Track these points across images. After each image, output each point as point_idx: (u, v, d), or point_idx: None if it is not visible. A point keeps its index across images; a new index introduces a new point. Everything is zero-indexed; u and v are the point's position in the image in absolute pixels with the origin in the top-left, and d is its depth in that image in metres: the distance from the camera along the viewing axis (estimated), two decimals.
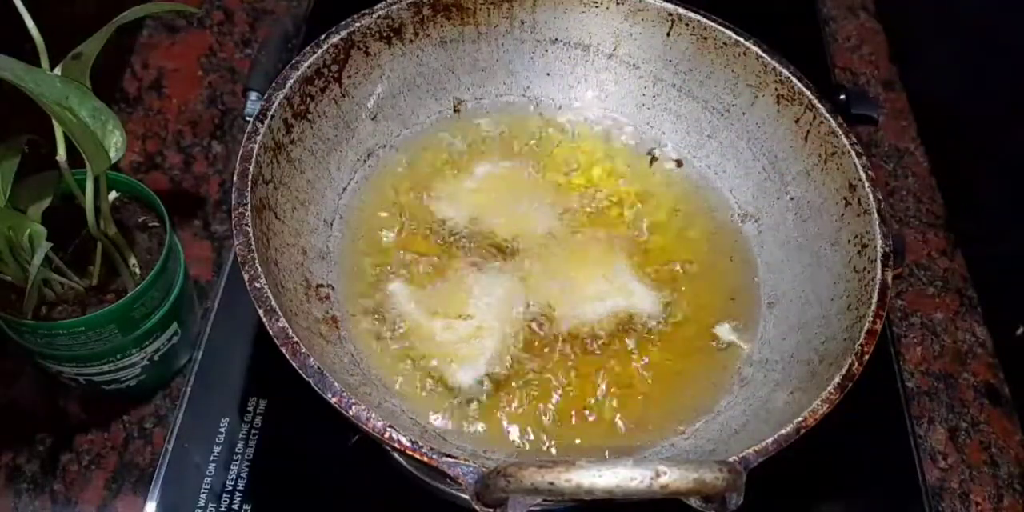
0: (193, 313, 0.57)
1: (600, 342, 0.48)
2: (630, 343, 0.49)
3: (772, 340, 0.49)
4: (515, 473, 0.31)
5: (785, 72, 0.51)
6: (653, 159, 0.57)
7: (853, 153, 0.48)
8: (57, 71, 0.42)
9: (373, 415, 0.36)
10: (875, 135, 0.80)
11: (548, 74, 0.58)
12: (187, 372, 0.56)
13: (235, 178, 0.42)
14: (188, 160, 0.70)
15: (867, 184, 0.47)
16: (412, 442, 0.36)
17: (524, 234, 0.52)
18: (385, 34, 0.52)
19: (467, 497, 0.35)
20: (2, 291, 0.47)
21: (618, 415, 0.46)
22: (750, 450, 0.37)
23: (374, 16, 0.51)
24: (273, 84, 0.46)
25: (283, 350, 0.37)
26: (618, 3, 0.55)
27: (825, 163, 0.50)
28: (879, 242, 0.45)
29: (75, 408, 0.56)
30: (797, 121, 0.51)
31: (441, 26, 0.54)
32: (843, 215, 0.48)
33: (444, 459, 0.35)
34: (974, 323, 0.69)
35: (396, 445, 0.36)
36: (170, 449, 0.53)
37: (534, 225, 0.53)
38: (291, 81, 0.47)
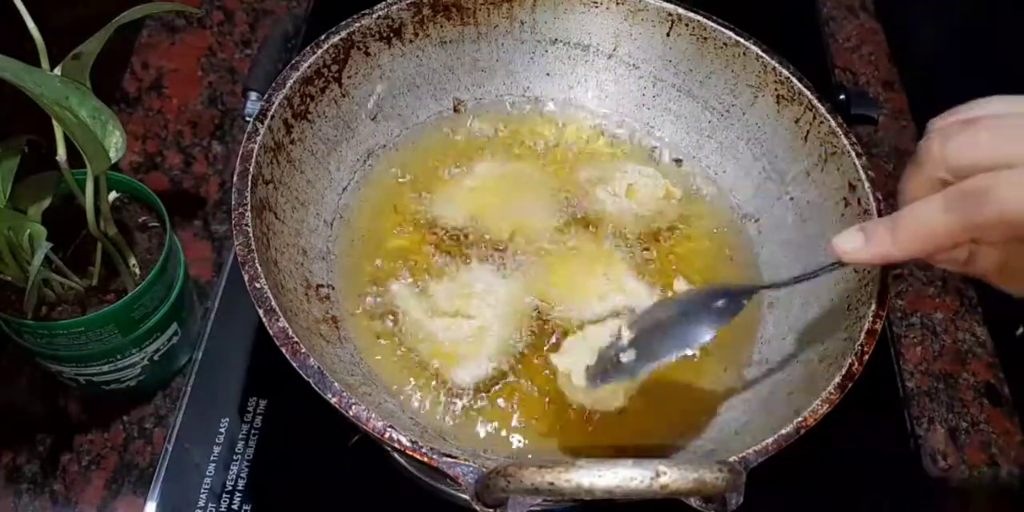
0: (193, 313, 0.57)
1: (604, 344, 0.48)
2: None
3: (772, 340, 0.49)
4: (515, 473, 0.31)
5: (785, 72, 0.51)
6: (652, 159, 0.57)
7: (853, 153, 0.48)
8: (57, 71, 0.42)
9: (373, 415, 0.36)
10: (875, 135, 0.80)
11: (548, 74, 0.58)
12: (187, 372, 0.56)
13: (235, 178, 0.42)
14: (188, 160, 0.70)
15: (867, 184, 0.47)
16: (412, 442, 0.36)
17: (524, 233, 0.52)
18: (385, 34, 0.52)
19: (467, 497, 0.35)
20: (2, 291, 0.47)
21: (619, 414, 0.46)
22: (750, 450, 0.37)
23: (374, 16, 0.51)
24: (273, 84, 0.46)
25: (283, 350, 0.37)
26: (618, 3, 0.55)
27: (825, 163, 0.50)
28: None
29: (75, 408, 0.56)
30: (797, 121, 0.51)
31: (441, 26, 0.54)
32: (843, 215, 0.48)
33: (444, 459, 0.35)
34: (974, 323, 0.69)
35: (396, 445, 0.36)
36: (170, 449, 0.53)
37: (534, 224, 0.53)
38: (291, 81, 0.47)
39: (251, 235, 0.40)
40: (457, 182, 0.54)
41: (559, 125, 0.58)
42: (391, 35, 0.52)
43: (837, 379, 0.40)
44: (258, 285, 0.39)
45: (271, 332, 0.38)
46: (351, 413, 0.36)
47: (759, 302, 0.51)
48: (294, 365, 0.37)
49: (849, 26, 0.89)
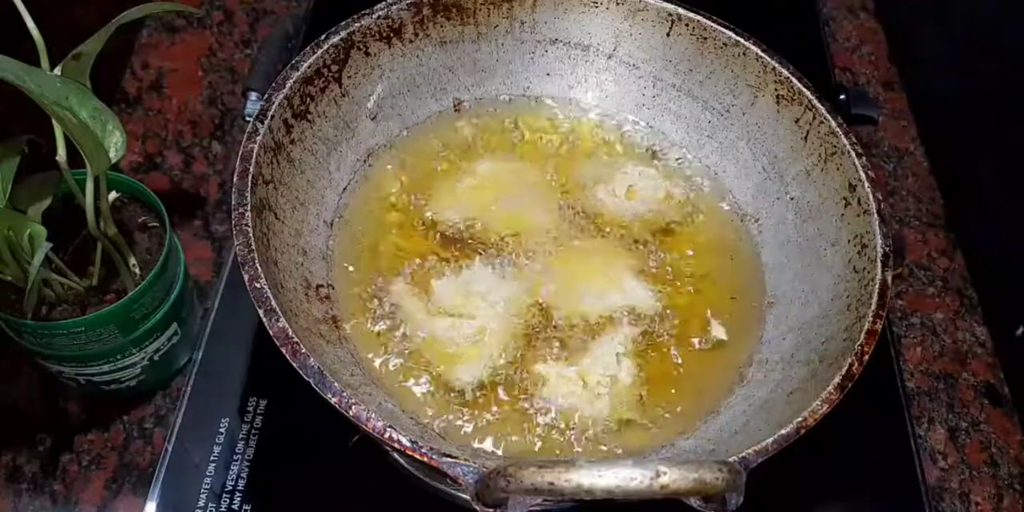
0: (193, 313, 0.57)
1: (600, 341, 0.48)
2: (630, 341, 0.49)
3: (772, 340, 0.49)
4: (515, 473, 0.31)
5: (785, 72, 0.51)
6: (653, 159, 0.57)
7: (853, 153, 0.48)
8: (57, 71, 0.42)
9: (373, 415, 0.36)
10: (875, 135, 0.80)
11: (548, 74, 0.58)
12: (187, 372, 0.56)
13: (235, 178, 0.42)
14: (188, 160, 0.70)
15: (867, 184, 0.47)
16: (412, 442, 0.36)
17: (525, 233, 0.52)
18: (385, 34, 0.52)
19: (467, 497, 0.35)
20: (2, 291, 0.47)
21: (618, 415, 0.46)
22: (750, 450, 0.37)
23: (374, 16, 0.51)
24: (273, 84, 0.46)
25: (283, 350, 0.37)
26: (618, 3, 0.55)
27: (825, 163, 0.50)
28: (879, 242, 0.45)
29: (75, 408, 0.56)
30: (797, 121, 0.51)
31: (441, 26, 0.54)
32: (843, 215, 0.48)
33: (444, 459, 0.35)
34: (974, 323, 0.69)
35: (396, 445, 0.36)
36: (170, 449, 0.53)
37: (534, 224, 0.53)
38: (291, 81, 0.47)
39: (251, 235, 0.40)
40: (457, 182, 0.54)
41: (559, 125, 0.58)
42: (391, 35, 0.52)
43: (837, 379, 0.40)
44: (258, 285, 0.39)
45: (271, 332, 0.38)
46: (351, 413, 0.36)
47: (759, 302, 0.51)
48: (294, 365, 0.37)
49: (849, 26, 0.89)
